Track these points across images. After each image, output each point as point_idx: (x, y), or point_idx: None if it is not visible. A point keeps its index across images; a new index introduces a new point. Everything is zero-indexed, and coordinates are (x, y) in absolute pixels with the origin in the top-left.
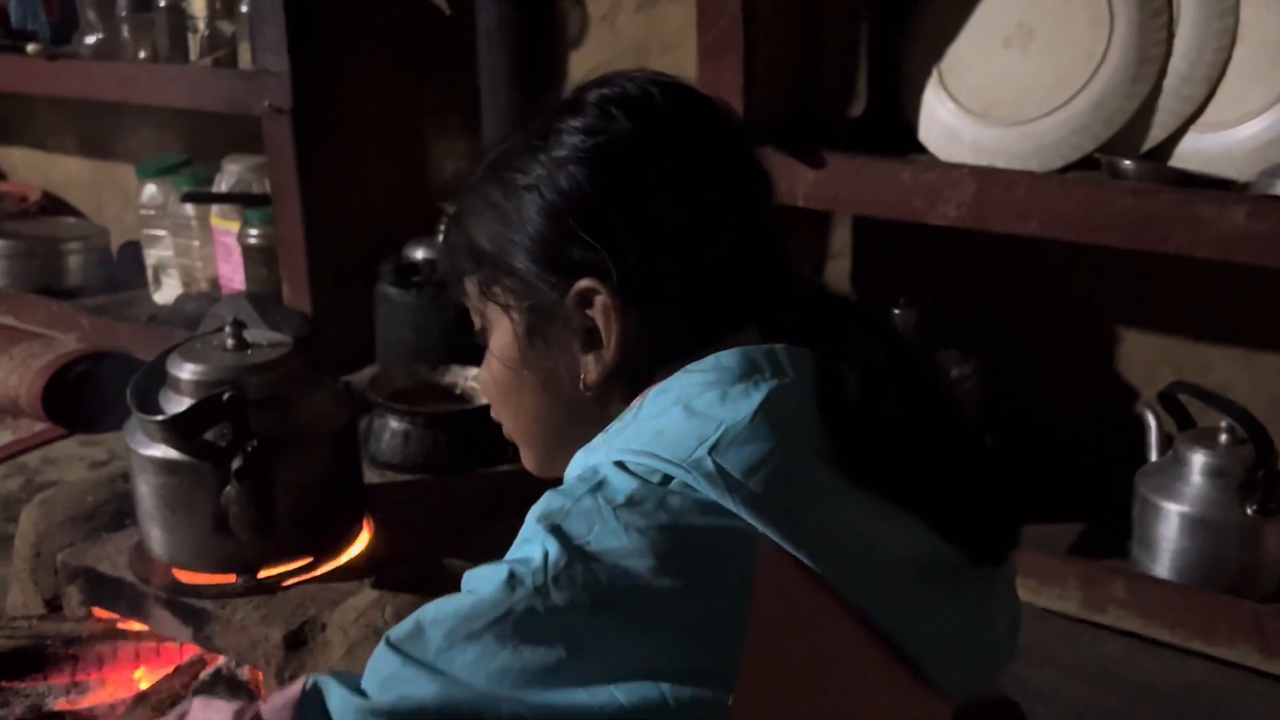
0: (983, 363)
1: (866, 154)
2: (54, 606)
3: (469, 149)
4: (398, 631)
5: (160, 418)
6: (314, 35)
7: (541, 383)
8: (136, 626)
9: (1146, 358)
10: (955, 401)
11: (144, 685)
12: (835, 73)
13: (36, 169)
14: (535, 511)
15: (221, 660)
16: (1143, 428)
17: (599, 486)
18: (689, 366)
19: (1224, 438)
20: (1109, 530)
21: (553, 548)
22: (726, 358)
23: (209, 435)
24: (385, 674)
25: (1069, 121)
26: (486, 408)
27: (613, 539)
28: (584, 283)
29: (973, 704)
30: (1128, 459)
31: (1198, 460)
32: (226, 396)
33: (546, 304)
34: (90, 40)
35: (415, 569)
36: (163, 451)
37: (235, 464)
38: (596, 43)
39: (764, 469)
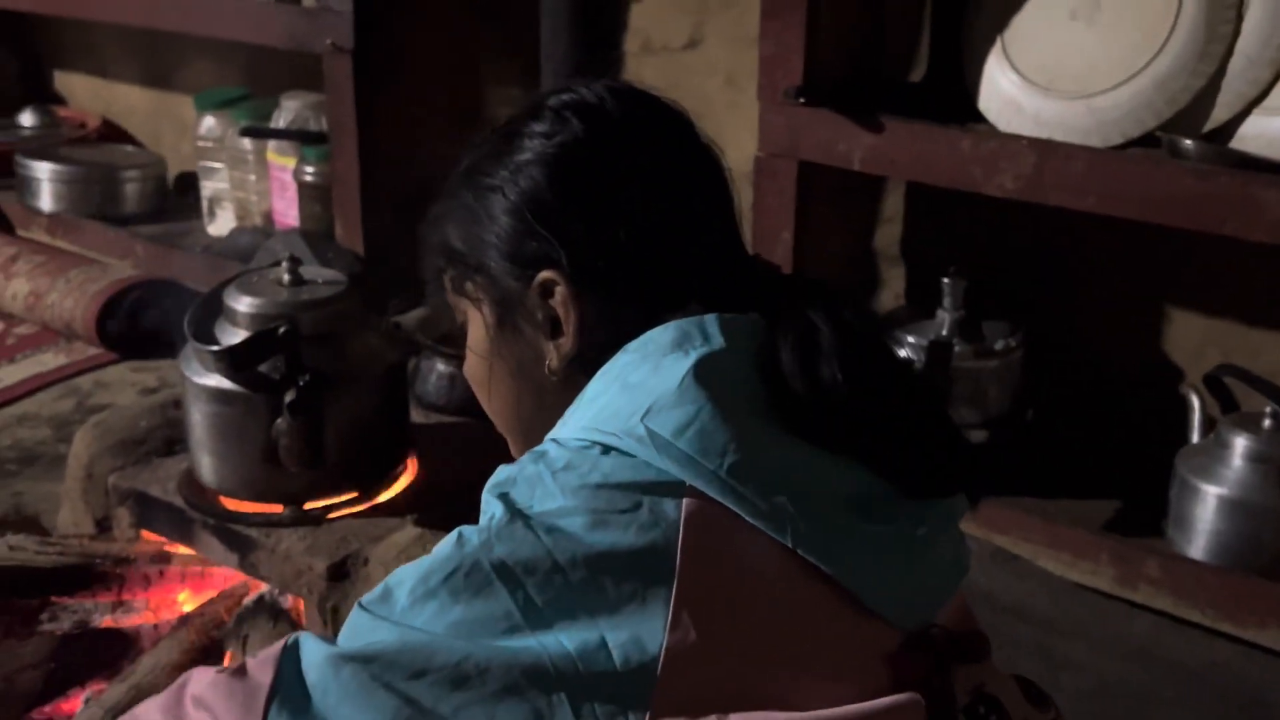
0: (1029, 335)
1: (925, 120)
2: (103, 527)
3: (525, 95)
4: (370, 596)
5: (216, 349)
6: None
7: (511, 371)
8: (183, 551)
9: (1194, 339)
10: (899, 366)
11: (187, 608)
12: (898, 37)
13: (97, 96)
14: (489, 484)
15: (265, 588)
16: (1186, 408)
17: (541, 456)
18: (626, 346)
19: (1268, 423)
20: (1145, 509)
21: (498, 510)
22: (658, 333)
23: (263, 368)
24: (355, 628)
25: (1132, 98)
26: None
27: (550, 500)
28: (544, 274)
29: (938, 635)
30: (1169, 439)
31: (1240, 444)
32: (282, 331)
33: (513, 297)
34: None
35: (455, 508)
36: (217, 381)
37: (288, 397)
38: None
39: (692, 427)
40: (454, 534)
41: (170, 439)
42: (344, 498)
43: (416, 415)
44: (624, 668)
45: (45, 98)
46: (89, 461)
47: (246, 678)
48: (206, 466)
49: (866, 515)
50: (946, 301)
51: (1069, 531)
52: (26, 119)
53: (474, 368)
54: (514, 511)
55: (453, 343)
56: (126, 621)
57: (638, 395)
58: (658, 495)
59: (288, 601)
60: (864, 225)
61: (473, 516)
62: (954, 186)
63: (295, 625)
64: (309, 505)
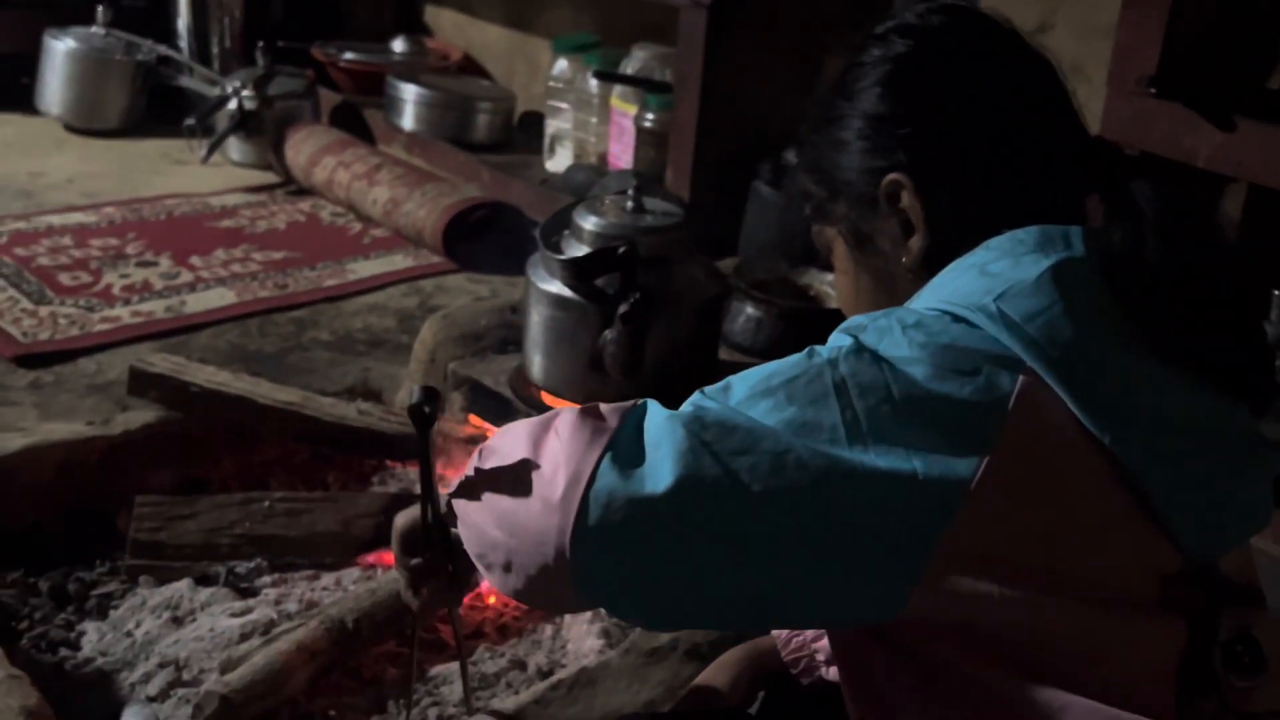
0: None
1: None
2: None
3: None
4: (711, 387)
5: (564, 258)
6: None
7: (876, 280)
8: None
9: None
10: (1225, 249)
11: None
12: (1261, 39)
13: (461, 31)
14: (839, 327)
15: None
16: None
17: (892, 313)
18: (988, 241)
19: None
20: None
21: (847, 341)
22: (1023, 233)
23: (600, 281)
24: (693, 404)
25: None
26: (836, 311)
27: (898, 349)
28: (890, 177)
29: (1216, 574)
30: None
31: None
32: (621, 250)
33: (867, 210)
34: None
35: None
36: (558, 288)
37: (620, 309)
38: None
39: (1041, 318)
40: (804, 351)
41: (505, 339)
42: None
43: (723, 352)
44: (925, 503)
45: (415, 28)
46: (434, 347)
47: (598, 419)
48: (537, 365)
49: (1190, 439)
50: (1275, 314)
51: None
52: (398, 45)
53: (843, 287)
54: (862, 346)
55: (762, 289)
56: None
57: (995, 282)
58: (997, 366)
59: None
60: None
61: None
62: None
63: None
64: None
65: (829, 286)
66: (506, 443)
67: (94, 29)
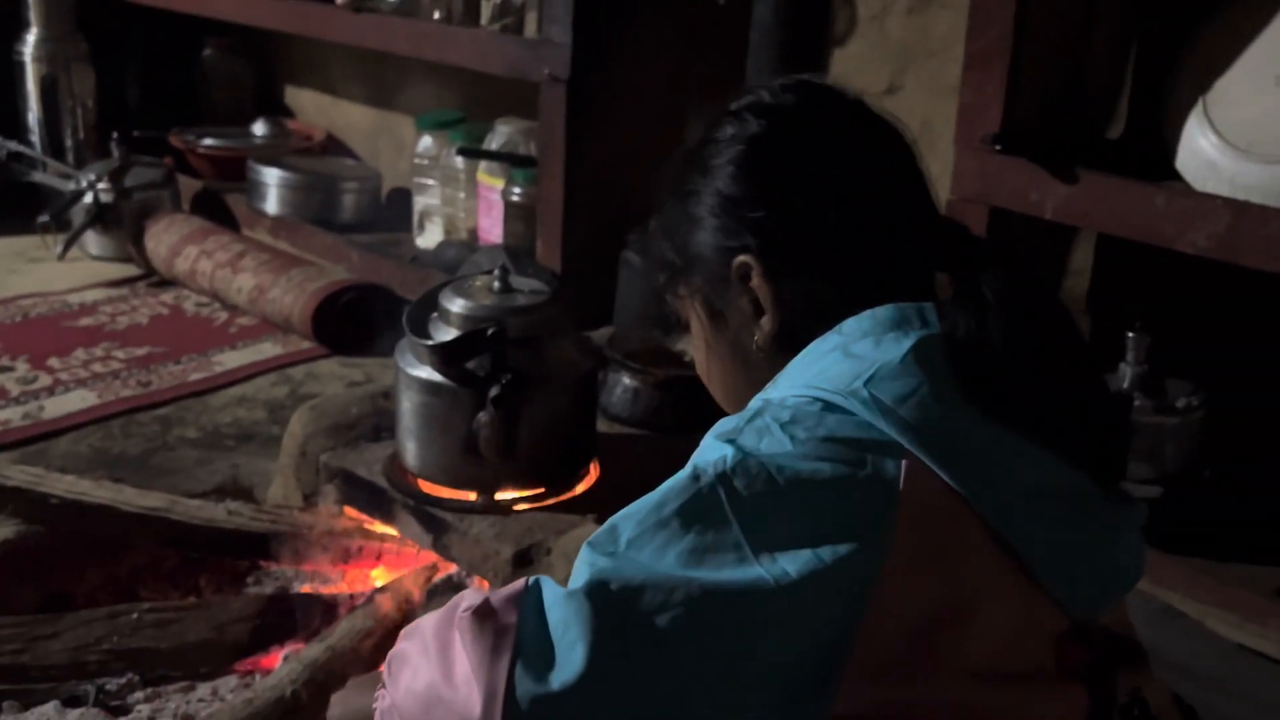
0: (1212, 394)
1: (1120, 175)
2: (310, 502)
3: None
4: (596, 535)
5: (431, 343)
6: (598, 9)
7: (731, 352)
8: (381, 529)
9: None
10: (1072, 332)
11: (380, 582)
12: (1098, 92)
13: (323, 111)
14: (711, 432)
15: (454, 569)
16: None
17: (765, 408)
18: (846, 321)
19: None
20: None
21: (729, 451)
22: (881, 312)
23: (470, 364)
24: (582, 565)
25: None
26: None
27: (779, 446)
28: (739, 259)
29: (1102, 631)
30: None
31: None
32: (490, 332)
33: (719, 288)
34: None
35: None
36: (428, 374)
37: (492, 392)
38: (863, 41)
39: (912, 399)
40: (687, 469)
41: (378, 426)
42: (532, 491)
43: (601, 425)
44: (838, 597)
45: (276, 110)
46: (303, 440)
47: (495, 618)
48: (411, 452)
49: (1056, 502)
50: (1130, 356)
51: (1240, 593)
52: (259, 128)
53: (698, 358)
54: (746, 452)
55: (637, 359)
56: (325, 589)
57: (861, 364)
58: (879, 454)
59: (473, 583)
60: (1052, 275)
61: None
62: (1145, 240)
63: None
64: (500, 495)
65: None
66: (414, 651)
67: None
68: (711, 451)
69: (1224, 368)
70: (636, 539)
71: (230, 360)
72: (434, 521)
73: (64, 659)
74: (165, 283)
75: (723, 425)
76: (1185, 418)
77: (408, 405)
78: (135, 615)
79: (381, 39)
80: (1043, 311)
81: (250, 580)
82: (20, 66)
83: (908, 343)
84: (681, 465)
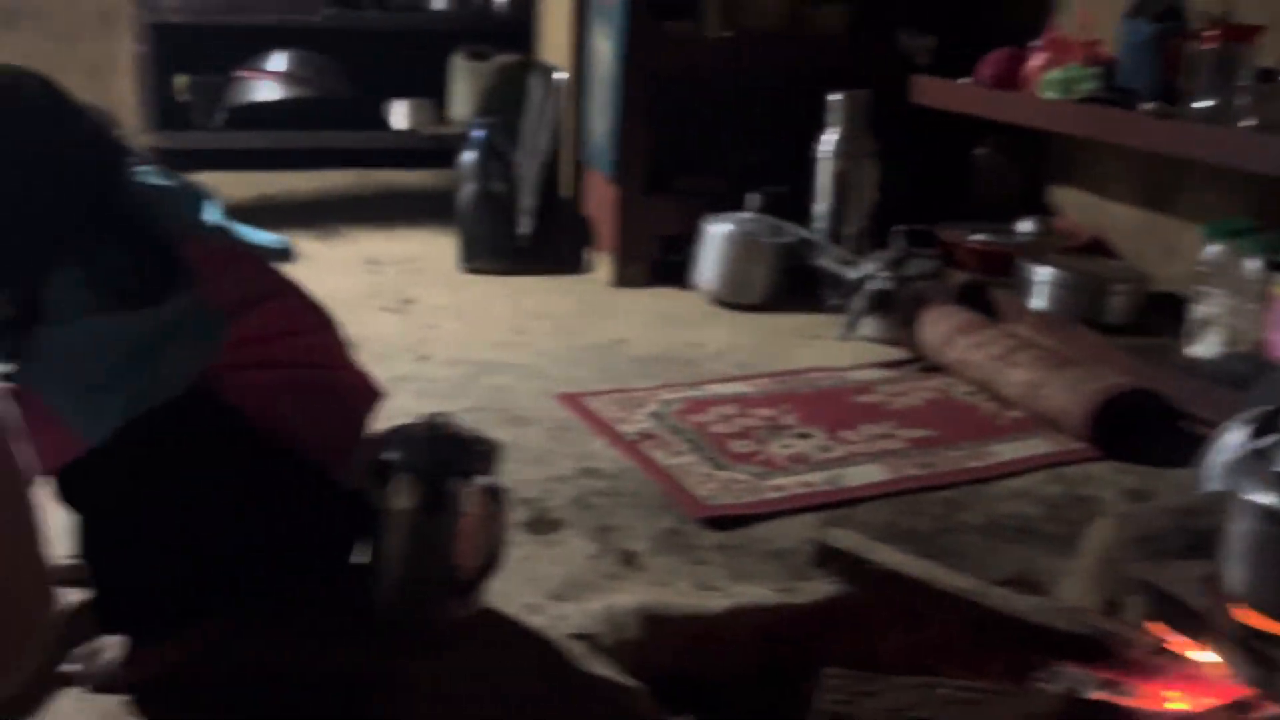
0: None
1: None
2: (1108, 610)
3: None
4: None
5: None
6: None
7: None
8: (1188, 651)
9: None
10: None
11: (1177, 706)
12: None
13: (1087, 210)
14: None
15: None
16: None
17: None
18: None
19: None
20: None
21: None
22: None
23: None
24: None
25: None
26: None
27: None
28: None
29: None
30: None
31: None
32: None
33: None
34: (1199, 104)
35: None
36: (1271, 500)
37: None
38: None
39: None
40: None
41: (1188, 544)
42: None
43: None
44: None
45: (1038, 207)
46: (1108, 548)
47: None
48: (1238, 578)
49: None
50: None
51: None
52: (1024, 225)
53: None
54: None
55: None
56: (1116, 699)
57: None
58: None
59: None
60: None
61: None
62: None
63: None
64: None
65: None
66: None
67: (745, 214)
68: None
69: None
70: None
71: (1004, 452)
72: (1262, 657)
73: (879, 719)
74: (933, 369)
75: None
76: None
77: (1241, 529)
78: (948, 690)
79: (1169, 141)
80: None
81: (1041, 676)
82: (817, 163)
83: None
84: None
